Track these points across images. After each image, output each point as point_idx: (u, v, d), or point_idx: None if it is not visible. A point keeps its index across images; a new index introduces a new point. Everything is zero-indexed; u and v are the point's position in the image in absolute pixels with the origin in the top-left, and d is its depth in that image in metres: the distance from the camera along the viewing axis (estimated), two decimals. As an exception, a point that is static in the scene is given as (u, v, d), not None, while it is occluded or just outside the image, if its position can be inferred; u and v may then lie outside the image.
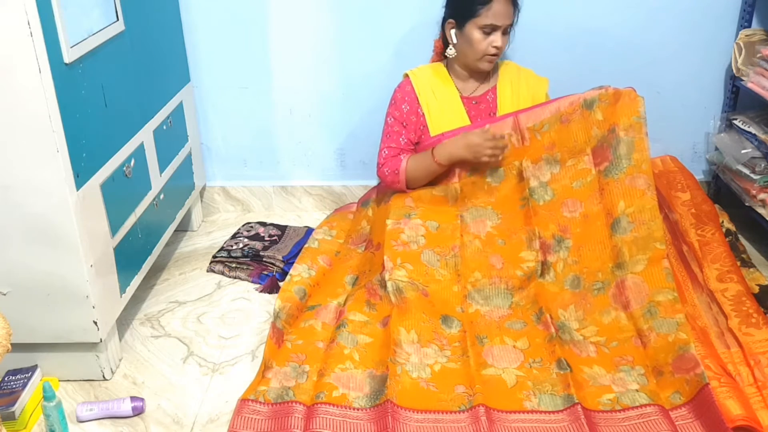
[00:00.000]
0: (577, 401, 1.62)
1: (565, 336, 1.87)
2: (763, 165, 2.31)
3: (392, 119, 2.26)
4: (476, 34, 2.13)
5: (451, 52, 2.23)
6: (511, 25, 2.14)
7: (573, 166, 2.10)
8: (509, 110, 2.22)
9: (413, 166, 2.19)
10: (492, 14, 2.09)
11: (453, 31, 2.19)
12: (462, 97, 2.25)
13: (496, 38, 2.12)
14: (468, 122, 2.23)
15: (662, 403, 1.64)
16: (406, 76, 2.28)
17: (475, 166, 2.16)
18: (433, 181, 2.20)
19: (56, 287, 1.73)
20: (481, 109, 2.25)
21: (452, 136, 2.17)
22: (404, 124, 2.25)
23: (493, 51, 2.14)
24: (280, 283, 2.20)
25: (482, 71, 2.22)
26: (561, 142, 2.13)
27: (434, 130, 2.23)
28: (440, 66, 2.29)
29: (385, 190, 2.33)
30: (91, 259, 1.73)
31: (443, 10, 2.23)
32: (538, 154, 2.14)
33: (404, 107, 2.24)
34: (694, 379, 1.64)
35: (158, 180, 2.17)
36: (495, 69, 2.29)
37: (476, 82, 2.27)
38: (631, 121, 2.04)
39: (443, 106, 2.24)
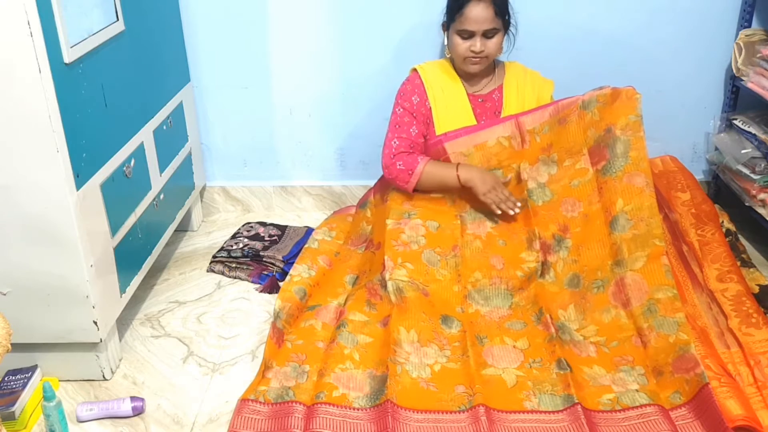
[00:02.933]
0: (577, 401, 1.63)
1: (565, 336, 1.87)
2: (763, 165, 2.31)
3: (402, 110, 2.23)
4: (456, 38, 2.15)
5: (446, 51, 2.25)
6: (496, 29, 2.12)
7: (570, 166, 2.11)
8: (514, 110, 2.22)
9: (431, 173, 2.14)
10: (465, 20, 2.10)
11: (445, 34, 2.22)
12: (468, 94, 2.26)
13: (474, 42, 2.12)
14: (473, 120, 2.22)
15: (662, 403, 1.64)
16: (414, 70, 2.28)
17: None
18: None
19: (56, 287, 1.73)
20: (486, 108, 2.25)
21: (455, 137, 2.17)
22: (414, 115, 2.23)
23: (471, 54, 2.14)
24: (280, 283, 2.20)
25: (469, 73, 2.22)
26: (558, 143, 2.13)
27: (439, 125, 2.22)
28: (447, 63, 2.29)
29: (383, 189, 2.32)
30: (91, 259, 1.73)
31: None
32: (536, 155, 2.14)
33: (414, 99, 2.23)
34: (694, 378, 1.64)
35: (158, 180, 2.17)
36: (501, 68, 2.29)
37: (482, 81, 2.27)
38: (628, 120, 2.04)
39: (450, 102, 2.24)
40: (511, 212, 2.07)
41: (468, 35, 2.12)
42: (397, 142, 2.19)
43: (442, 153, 2.18)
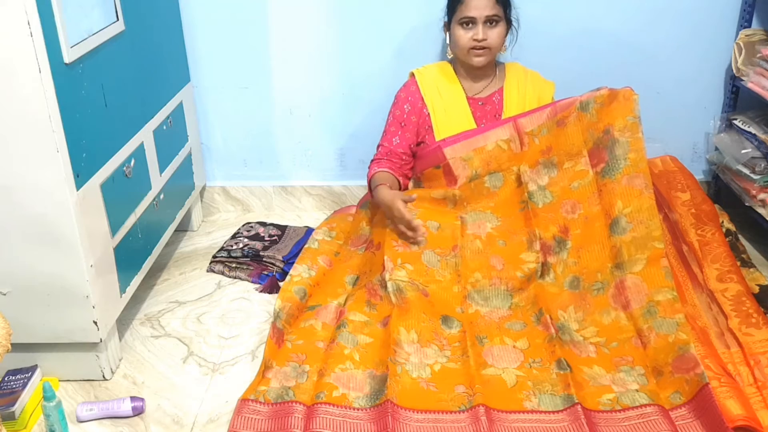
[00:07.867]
0: (577, 401, 1.63)
1: (565, 336, 1.87)
2: (763, 165, 2.31)
3: (392, 118, 2.28)
4: (458, 30, 2.15)
5: (448, 52, 2.24)
6: (497, 16, 2.12)
7: (570, 168, 2.10)
8: (515, 112, 2.22)
9: (374, 180, 2.21)
10: (466, 7, 2.11)
11: (447, 34, 2.22)
12: (468, 98, 2.25)
13: (477, 31, 2.12)
14: (473, 124, 2.23)
15: (662, 403, 1.64)
16: (412, 75, 2.29)
17: (476, 175, 2.15)
18: (432, 185, 2.21)
19: (56, 287, 1.73)
20: (486, 110, 2.25)
21: (454, 142, 2.17)
22: (402, 124, 2.25)
23: (473, 44, 2.13)
24: (280, 283, 2.20)
25: (475, 67, 2.21)
26: (558, 145, 2.13)
27: (438, 129, 2.23)
28: (447, 65, 2.29)
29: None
30: (91, 259, 1.73)
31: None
32: (535, 158, 2.14)
33: (406, 107, 2.25)
34: (694, 378, 1.65)
35: (158, 180, 2.17)
36: (501, 70, 2.29)
37: (482, 83, 2.27)
38: (626, 122, 2.03)
39: (449, 106, 2.24)
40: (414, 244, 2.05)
41: (469, 22, 2.12)
42: (380, 150, 2.29)
43: (441, 158, 2.18)
